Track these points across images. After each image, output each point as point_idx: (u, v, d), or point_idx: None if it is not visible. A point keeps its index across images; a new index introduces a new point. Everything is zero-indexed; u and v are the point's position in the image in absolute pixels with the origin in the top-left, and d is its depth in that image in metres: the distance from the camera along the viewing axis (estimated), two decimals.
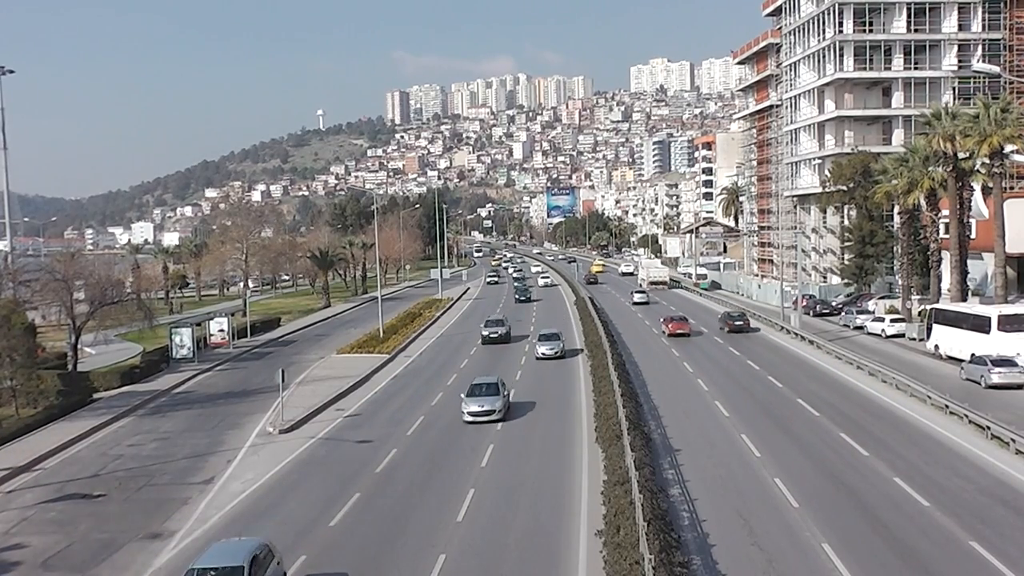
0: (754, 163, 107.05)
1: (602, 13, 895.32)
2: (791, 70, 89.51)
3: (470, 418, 35.77)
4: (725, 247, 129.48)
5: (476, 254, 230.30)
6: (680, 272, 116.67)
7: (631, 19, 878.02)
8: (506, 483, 27.49)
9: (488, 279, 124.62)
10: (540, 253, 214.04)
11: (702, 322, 65.24)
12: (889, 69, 79.20)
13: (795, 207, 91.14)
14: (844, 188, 71.82)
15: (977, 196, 55.34)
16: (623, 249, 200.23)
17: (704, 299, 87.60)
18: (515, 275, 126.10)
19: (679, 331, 58.47)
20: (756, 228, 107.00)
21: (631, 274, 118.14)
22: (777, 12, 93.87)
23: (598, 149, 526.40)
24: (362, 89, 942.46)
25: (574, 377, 45.17)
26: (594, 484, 25.78)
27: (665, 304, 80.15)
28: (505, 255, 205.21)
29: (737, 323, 60.52)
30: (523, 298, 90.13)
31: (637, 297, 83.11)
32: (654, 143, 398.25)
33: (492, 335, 59.70)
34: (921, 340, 49.99)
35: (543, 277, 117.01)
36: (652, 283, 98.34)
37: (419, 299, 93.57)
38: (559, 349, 51.90)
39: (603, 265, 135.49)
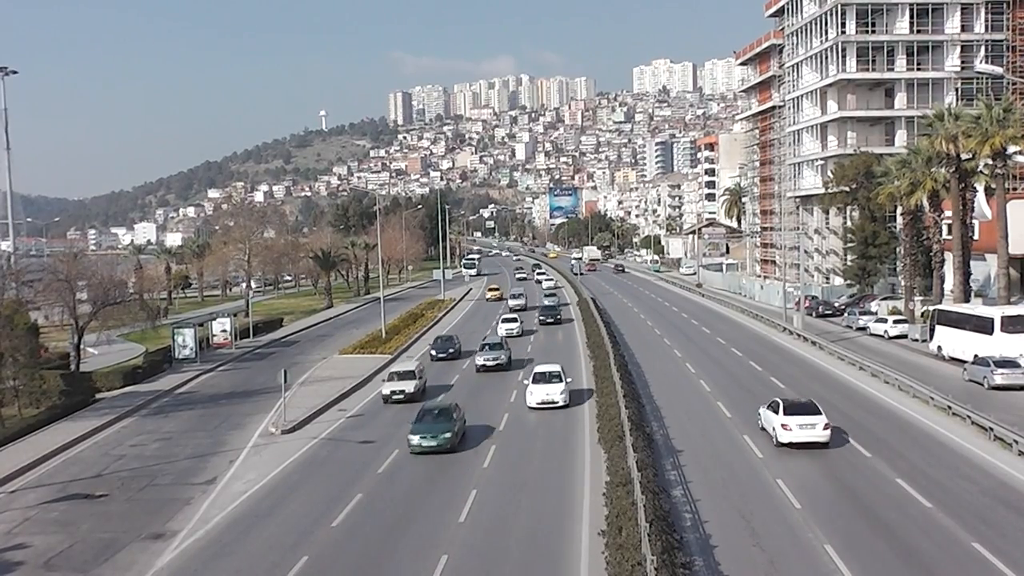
0: (757, 164, 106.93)
1: (603, 13, 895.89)
2: (794, 71, 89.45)
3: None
4: (728, 248, 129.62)
5: (468, 271, 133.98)
6: (648, 264, 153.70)
7: (633, 20, 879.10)
8: (508, 484, 27.50)
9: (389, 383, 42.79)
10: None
11: (606, 270, 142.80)
12: (892, 70, 79.14)
13: (798, 208, 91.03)
14: (847, 189, 71.71)
15: (980, 197, 55.26)
16: (625, 250, 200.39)
17: (608, 263, 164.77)
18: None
19: (591, 269, 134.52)
20: (758, 229, 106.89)
21: (579, 258, 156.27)
22: (780, 13, 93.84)
23: (600, 150, 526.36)
24: (364, 90, 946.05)
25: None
26: (596, 485, 25.78)
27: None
28: (535, 277, 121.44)
29: (609, 265, 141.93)
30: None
31: (574, 263, 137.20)
32: (656, 144, 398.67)
33: None
34: (924, 341, 49.94)
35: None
36: (590, 259, 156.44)
37: (422, 300, 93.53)
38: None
39: (558, 253, 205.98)
